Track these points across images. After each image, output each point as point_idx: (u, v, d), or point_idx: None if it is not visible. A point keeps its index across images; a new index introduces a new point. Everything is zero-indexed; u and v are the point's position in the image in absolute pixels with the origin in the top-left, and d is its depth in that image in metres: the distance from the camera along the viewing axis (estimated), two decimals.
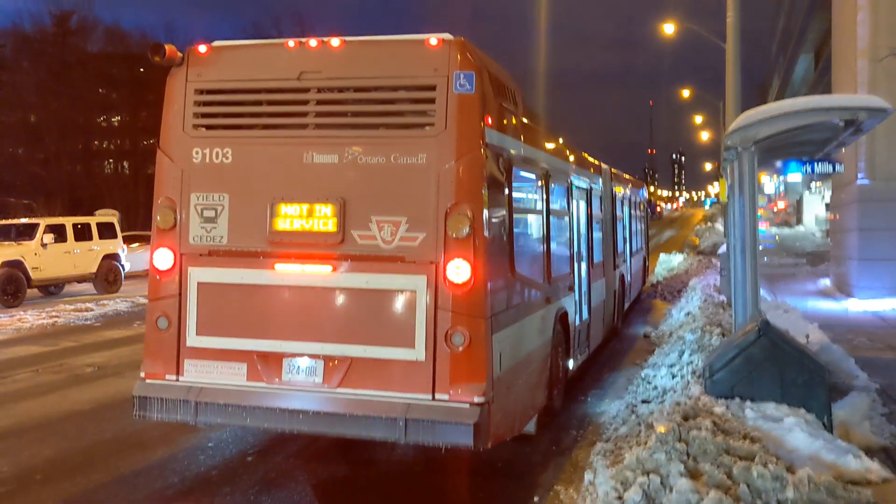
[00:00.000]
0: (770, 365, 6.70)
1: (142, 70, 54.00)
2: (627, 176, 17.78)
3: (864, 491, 5.10)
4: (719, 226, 47.89)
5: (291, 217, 6.36)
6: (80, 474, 7.02)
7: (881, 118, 7.58)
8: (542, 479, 6.83)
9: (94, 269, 22.11)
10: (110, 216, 24.16)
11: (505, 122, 6.75)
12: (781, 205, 67.07)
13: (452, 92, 6.04)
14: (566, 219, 9.54)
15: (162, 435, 7.89)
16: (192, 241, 6.60)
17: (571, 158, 10.26)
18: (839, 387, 8.31)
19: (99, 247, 22.30)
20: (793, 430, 6.03)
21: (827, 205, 41.73)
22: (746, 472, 5.14)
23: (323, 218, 6.29)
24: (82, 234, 21.96)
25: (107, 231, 22.85)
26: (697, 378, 7.88)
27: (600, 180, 12.71)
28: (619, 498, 5.17)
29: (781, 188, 68.72)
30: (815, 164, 11.78)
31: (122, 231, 24.01)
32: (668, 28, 28.20)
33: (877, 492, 5.20)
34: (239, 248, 6.50)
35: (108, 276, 22.54)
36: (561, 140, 10.06)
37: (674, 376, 9.25)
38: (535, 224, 8.09)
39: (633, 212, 17.44)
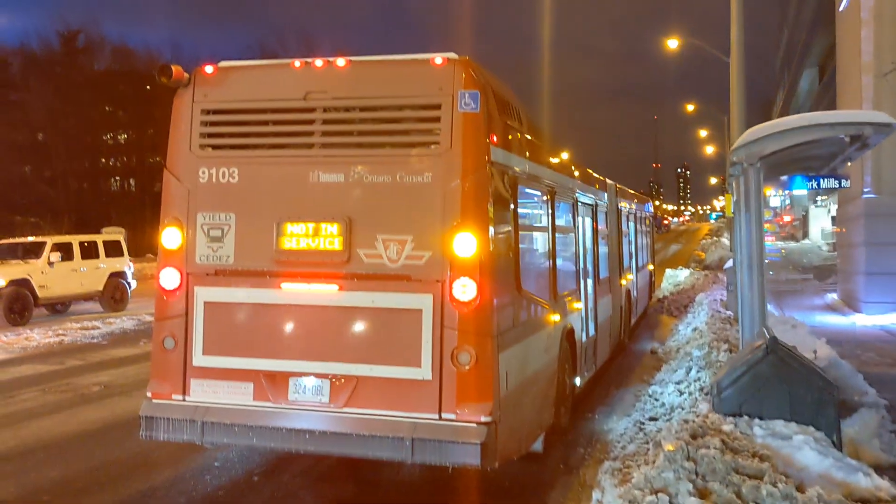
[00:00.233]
0: (778, 382, 6.66)
1: (148, 88, 54.33)
2: (632, 191, 17.79)
3: None
4: (725, 240, 47.76)
5: (297, 236, 6.37)
6: (87, 496, 7.00)
7: (887, 133, 7.57)
8: (550, 498, 6.80)
9: (100, 287, 22.14)
10: (117, 234, 24.23)
11: (510, 139, 6.76)
12: (787, 218, 66.95)
13: (457, 111, 6.06)
14: (572, 235, 9.54)
15: (168, 455, 7.87)
16: (199, 261, 6.62)
17: (576, 174, 10.27)
18: (848, 403, 8.26)
19: (105, 265, 22.33)
20: (802, 448, 5.98)
21: (833, 218, 41.66)
22: (756, 491, 5.10)
23: (329, 237, 6.29)
24: (89, 252, 22.00)
25: (113, 249, 22.88)
26: (705, 395, 7.84)
27: (605, 196, 12.71)
28: None
29: (787, 202, 68.67)
30: (821, 179, 11.77)
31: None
32: (673, 43, 28.30)
33: None
34: (245, 267, 6.51)
35: (114, 294, 22.55)
36: (566, 156, 10.07)
37: (681, 393, 9.21)
38: (540, 241, 8.09)
39: (638, 227, 17.42)
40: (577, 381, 9.28)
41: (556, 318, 8.08)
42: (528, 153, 7.39)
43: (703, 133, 63.13)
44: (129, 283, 23.10)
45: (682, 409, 8.14)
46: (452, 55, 6.23)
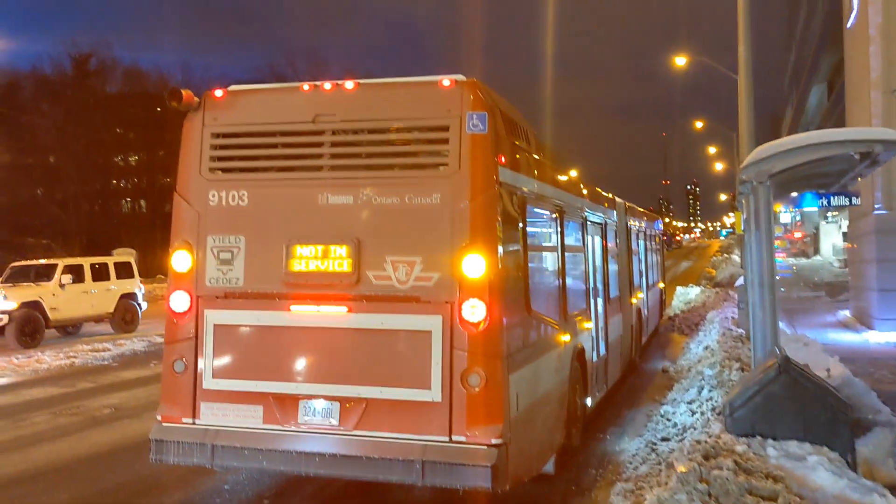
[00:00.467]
0: (791, 402, 6.61)
1: (159, 110, 54.73)
2: (642, 209, 17.76)
3: None
4: (735, 256, 47.58)
5: (307, 258, 6.38)
6: None
7: None
8: None
9: (111, 309, 22.21)
10: (127, 255, 24.34)
11: (518, 159, 6.77)
12: (798, 235, 66.63)
13: (465, 132, 6.07)
14: (581, 254, 9.52)
15: (178, 478, 7.85)
16: (209, 284, 6.63)
17: (585, 193, 10.26)
18: (862, 422, 8.17)
19: (116, 286, 22.42)
20: (816, 468, 5.93)
21: (844, 234, 41.44)
22: None
23: (338, 259, 6.30)
24: (100, 273, 22.09)
25: (124, 270, 22.98)
26: (717, 415, 7.78)
27: (615, 214, 12.70)
28: None
29: (798, 218, 68.32)
30: (832, 197, 11.73)
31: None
32: (681, 61, 28.34)
33: None
34: (255, 289, 6.52)
35: (125, 316, 22.62)
36: (574, 175, 10.08)
37: (693, 413, 9.15)
38: (550, 261, 8.07)
39: (648, 245, 17.39)
40: (589, 401, 9.22)
41: (566, 338, 8.05)
42: (536, 173, 7.39)
43: (712, 150, 63.08)
44: (139, 305, 23.18)
45: (695, 429, 8.08)
46: (460, 77, 6.25)
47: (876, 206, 18.02)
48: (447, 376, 5.95)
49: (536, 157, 7.52)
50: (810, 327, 18.12)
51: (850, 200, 12.35)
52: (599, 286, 10.57)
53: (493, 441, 5.83)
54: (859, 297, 19.84)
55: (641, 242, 16.13)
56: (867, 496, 5.59)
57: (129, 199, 66.85)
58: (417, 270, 6.11)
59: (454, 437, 5.90)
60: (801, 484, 5.73)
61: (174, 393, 6.65)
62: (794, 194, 12.62)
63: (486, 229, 6.04)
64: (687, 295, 27.24)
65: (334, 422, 6.22)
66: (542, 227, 7.93)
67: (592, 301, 9.87)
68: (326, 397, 6.25)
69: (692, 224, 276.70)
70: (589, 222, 10.06)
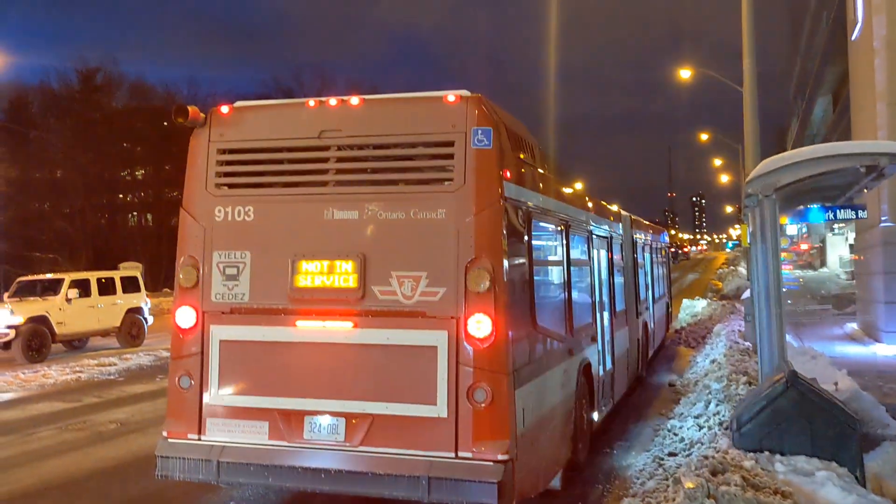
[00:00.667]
0: (799, 417, 6.59)
1: (165, 124, 54.95)
2: (647, 222, 17.74)
3: None
4: (742, 269, 47.49)
5: (312, 274, 6.38)
6: None
7: None
8: None
9: (117, 324, 22.24)
10: (134, 270, 24.38)
11: (523, 174, 6.77)
12: (804, 247, 66.48)
13: (470, 147, 6.08)
14: (587, 268, 9.51)
15: (183, 493, 7.83)
16: (215, 299, 6.63)
17: (590, 207, 10.26)
18: (870, 436, 8.14)
19: (122, 301, 22.47)
20: (825, 484, 5.90)
21: (851, 246, 41.34)
22: None
23: (344, 274, 6.30)
24: (106, 288, 22.15)
25: (130, 285, 23.04)
26: (725, 430, 7.76)
27: (620, 227, 12.69)
28: None
29: (804, 230, 68.18)
30: (838, 210, 11.69)
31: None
32: (685, 73, 28.38)
33: None
34: (260, 305, 6.52)
35: (131, 330, 22.66)
36: (579, 189, 10.08)
37: (700, 427, 9.12)
38: (555, 275, 8.06)
39: (654, 258, 17.35)
40: (595, 416, 9.19)
41: (572, 352, 8.03)
42: (541, 187, 7.40)
43: (717, 162, 63.07)
44: (145, 319, 23.22)
45: (702, 444, 8.05)
46: (465, 92, 6.27)
47: (882, 218, 17.97)
48: (453, 392, 5.93)
49: (541, 170, 7.52)
50: (817, 340, 18.03)
51: (857, 214, 12.27)
52: (605, 300, 10.55)
53: (500, 457, 5.80)
54: (866, 309, 19.76)
55: (647, 255, 16.10)
56: None
57: (135, 213, 67.05)
58: (423, 285, 6.11)
59: (460, 453, 5.88)
60: (809, 500, 5.70)
61: (180, 409, 6.64)
62: (801, 207, 12.58)
63: (491, 244, 6.04)
64: (693, 308, 27.18)
65: (340, 438, 6.21)
66: (547, 242, 7.92)
67: (598, 315, 9.85)
68: (332, 413, 6.24)
69: (697, 236, 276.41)
70: (594, 236, 10.05)
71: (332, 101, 6.59)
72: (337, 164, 6.55)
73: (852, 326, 21.08)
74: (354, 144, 6.57)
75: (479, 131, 6.07)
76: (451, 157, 6.15)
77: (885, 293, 17.50)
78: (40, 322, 19.88)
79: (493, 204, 6.06)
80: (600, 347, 9.74)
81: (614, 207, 12.94)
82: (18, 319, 19.41)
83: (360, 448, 6.13)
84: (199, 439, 6.54)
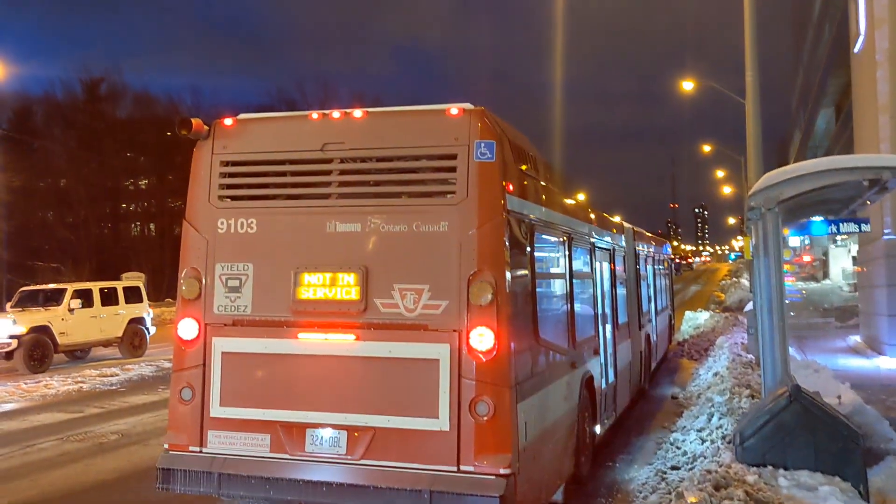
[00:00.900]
0: (802, 431, 6.56)
1: (168, 134, 55.10)
2: (650, 234, 17.74)
3: None
4: (744, 280, 47.41)
5: (315, 286, 6.38)
6: None
7: None
8: None
9: (119, 334, 22.24)
10: (136, 280, 24.42)
11: (526, 187, 6.77)
12: (807, 259, 66.38)
13: (473, 160, 6.08)
14: (589, 281, 9.50)
15: None
16: (217, 311, 6.63)
17: (593, 219, 10.26)
18: (874, 451, 8.10)
19: (125, 311, 22.47)
20: (828, 499, 5.87)
21: (854, 258, 41.28)
22: None
23: (346, 286, 6.30)
24: (109, 298, 22.15)
25: (133, 295, 23.06)
26: (728, 443, 7.72)
27: (622, 240, 12.68)
28: None
29: (807, 242, 68.07)
30: (841, 223, 11.67)
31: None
32: (688, 85, 28.44)
33: None
34: (263, 317, 6.52)
35: (133, 340, 22.65)
36: (582, 202, 10.08)
37: (703, 441, 9.08)
38: (558, 288, 8.05)
39: (656, 270, 17.34)
40: (598, 429, 9.16)
41: (574, 365, 8.02)
42: (544, 199, 7.40)
43: (720, 173, 63.13)
44: (147, 329, 23.22)
45: (705, 457, 8.01)
46: (468, 105, 6.28)
47: (885, 231, 17.96)
48: (455, 405, 5.91)
49: (544, 183, 7.52)
50: (820, 353, 17.99)
51: (860, 227, 12.25)
52: (608, 312, 10.54)
53: (502, 471, 5.78)
54: (869, 322, 19.72)
55: (650, 267, 16.10)
56: None
57: (138, 223, 67.10)
58: (425, 298, 6.10)
59: (462, 467, 5.85)
60: None
61: (181, 421, 6.63)
62: (804, 220, 12.58)
63: (493, 257, 6.03)
64: (696, 320, 27.13)
65: (342, 450, 6.19)
66: (550, 254, 7.92)
67: (601, 327, 9.83)
68: (334, 426, 6.23)
69: (700, 247, 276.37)
70: (597, 248, 10.05)
71: (336, 113, 6.60)
72: (340, 176, 6.55)
73: (855, 339, 21.03)
74: (357, 157, 6.57)
75: (482, 144, 6.07)
76: (453, 170, 6.16)
77: (889, 306, 17.47)
78: (42, 332, 19.88)
79: (495, 217, 6.06)
80: (603, 360, 9.72)
81: (617, 219, 12.94)
82: (21, 329, 19.40)
83: (362, 461, 6.11)
84: (201, 451, 6.52)
